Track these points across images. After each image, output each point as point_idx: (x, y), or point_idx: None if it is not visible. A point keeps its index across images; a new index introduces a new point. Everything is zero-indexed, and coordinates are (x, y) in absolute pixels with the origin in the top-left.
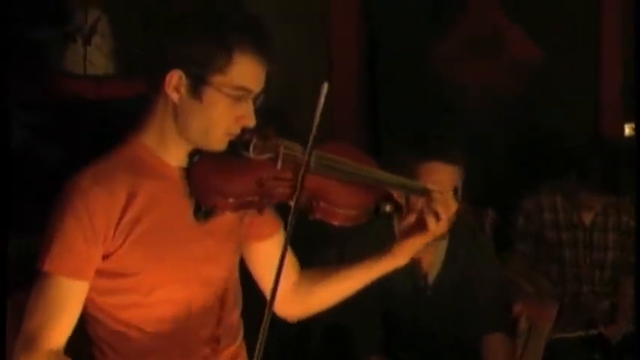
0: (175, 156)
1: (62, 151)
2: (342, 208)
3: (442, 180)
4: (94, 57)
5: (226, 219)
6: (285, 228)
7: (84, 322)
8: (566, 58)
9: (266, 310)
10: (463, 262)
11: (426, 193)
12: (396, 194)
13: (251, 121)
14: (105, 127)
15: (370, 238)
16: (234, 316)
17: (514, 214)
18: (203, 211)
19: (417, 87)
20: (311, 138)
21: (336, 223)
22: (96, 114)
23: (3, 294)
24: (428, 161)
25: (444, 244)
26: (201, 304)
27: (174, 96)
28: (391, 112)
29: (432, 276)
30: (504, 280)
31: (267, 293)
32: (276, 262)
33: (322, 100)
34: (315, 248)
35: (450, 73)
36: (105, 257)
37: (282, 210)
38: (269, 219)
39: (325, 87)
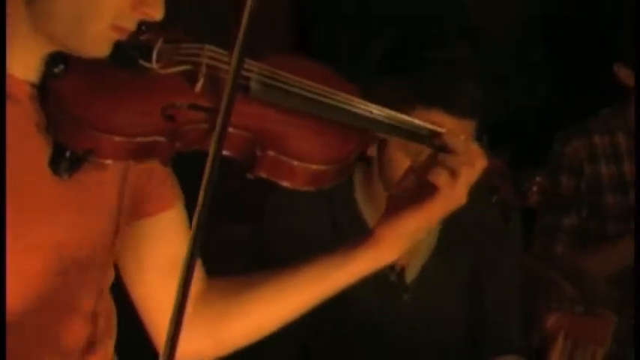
0: (24, 64)
1: None
2: (303, 160)
3: None
4: None
5: (103, 177)
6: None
7: None
8: None
9: (165, 344)
10: (476, 255)
11: (436, 139)
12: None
13: (157, 12)
14: None
15: (313, 211)
16: (106, 349)
17: (552, 168)
18: (68, 159)
19: None
20: (243, 25)
21: (290, 184)
22: None
23: (3, 294)
24: (427, 109)
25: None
26: (48, 324)
27: None
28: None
29: (412, 272)
30: (533, 278)
31: (151, 314)
32: (168, 255)
33: None
34: (214, 225)
35: None
36: None
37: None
38: (163, 184)
39: None
